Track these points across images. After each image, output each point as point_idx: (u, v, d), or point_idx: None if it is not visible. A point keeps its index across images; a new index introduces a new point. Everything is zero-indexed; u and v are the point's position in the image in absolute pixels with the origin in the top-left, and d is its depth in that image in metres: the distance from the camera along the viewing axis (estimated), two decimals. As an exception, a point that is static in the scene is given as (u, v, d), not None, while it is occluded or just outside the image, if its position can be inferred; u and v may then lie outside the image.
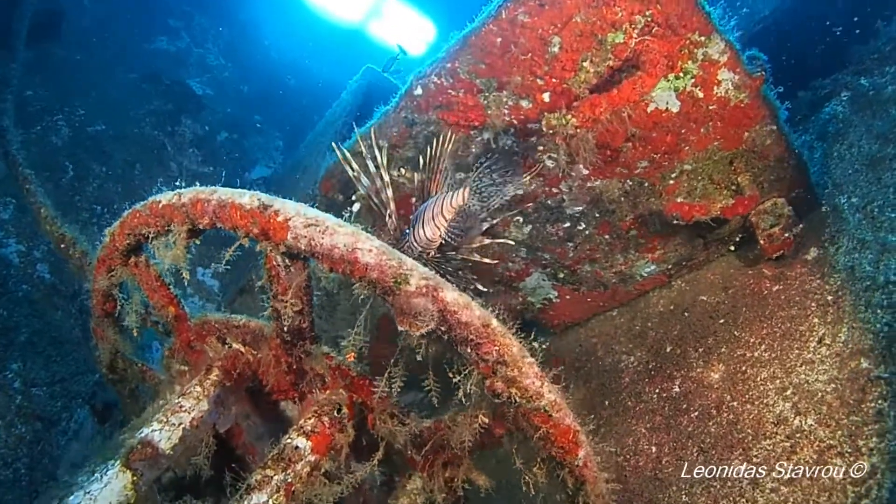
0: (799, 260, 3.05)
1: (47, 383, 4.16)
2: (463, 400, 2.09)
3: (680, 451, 2.96)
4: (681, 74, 2.89)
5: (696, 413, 3.01)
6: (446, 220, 2.66)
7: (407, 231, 2.77)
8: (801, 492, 2.49)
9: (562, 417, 2.08)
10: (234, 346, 2.56)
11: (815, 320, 2.85)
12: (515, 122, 3.10)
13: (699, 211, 3.03)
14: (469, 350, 1.98)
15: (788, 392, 2.76)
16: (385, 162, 2.81)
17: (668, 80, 2.91)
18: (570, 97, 2.99)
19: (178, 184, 2.39)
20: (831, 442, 2.53)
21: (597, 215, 3.33)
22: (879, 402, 2.46)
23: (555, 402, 2.06)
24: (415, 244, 2.72)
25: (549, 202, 3.33)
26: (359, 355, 2.22)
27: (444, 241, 2.74)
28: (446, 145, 2.74)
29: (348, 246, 1.97)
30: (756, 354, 2.96)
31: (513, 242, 3.25)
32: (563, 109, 2.93)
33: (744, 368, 2.97)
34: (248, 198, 2.13)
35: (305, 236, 2.02)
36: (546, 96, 3.03)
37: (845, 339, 2.69)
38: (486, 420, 2.10)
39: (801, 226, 3.00)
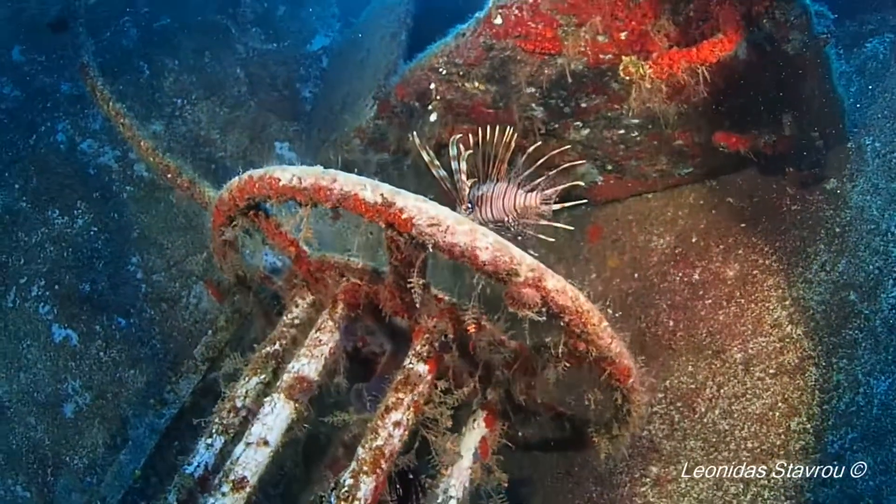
0: (819, 187, 3.55)
1: (164, 269, 4.74)
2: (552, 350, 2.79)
3: (692, 329, 3.77)
4: (755, 30, 3.09)
5: (710, 301, 3.76)
6: (517, 212, 3.05)
7: (470, 205, 3.12)
8: (780, 385, 3.36)
9: (622, 362, 2.79)
10: (352, 280, 3.14)
11: (822, 246, 3.47)
12: (590, 53, 3.32)
13: (744, 145, 3.44)
14: (562, 322, 2.61)
15: (787, 302, 3.48)
16: (463, 165, 3.02)
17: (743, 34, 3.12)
18: (646, 40, 3.20)
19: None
20: (812, 353, 3.32)
21: (650, 127, 3.70)
22: (856, 332, 3.20)
23: (620, 352, 2.75)
24: (480, 219, 3.12)
25: (609, 114, 3.67)
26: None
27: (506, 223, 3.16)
28: (508, 139, 2.99)
29: (467, 245, 2.35)
30: (767, 262, 3.62)
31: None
32: (640, 54, 3.17)
33: (755, 272, 3.65)
34: (370, 192, 2.35)
35: (429, 234, 2.32)
36: (623, 35, 3.23)
37: (842, 271, 3.33)
38: (568, 365, 2.82)
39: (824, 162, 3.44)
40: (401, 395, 2.91)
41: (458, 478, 3.09)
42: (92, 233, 4.69)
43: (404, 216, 2.40)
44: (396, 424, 2.88)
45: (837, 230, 3.45)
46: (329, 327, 3.11)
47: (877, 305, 3.19)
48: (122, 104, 3.85)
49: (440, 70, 3.55)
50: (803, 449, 3.22)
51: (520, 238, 3.18)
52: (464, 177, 3.00)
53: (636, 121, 3.67)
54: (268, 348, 3.29)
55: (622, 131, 3.78)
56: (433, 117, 3.95)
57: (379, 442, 2.83)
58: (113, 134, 4.69)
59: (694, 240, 3.96)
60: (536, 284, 2.48)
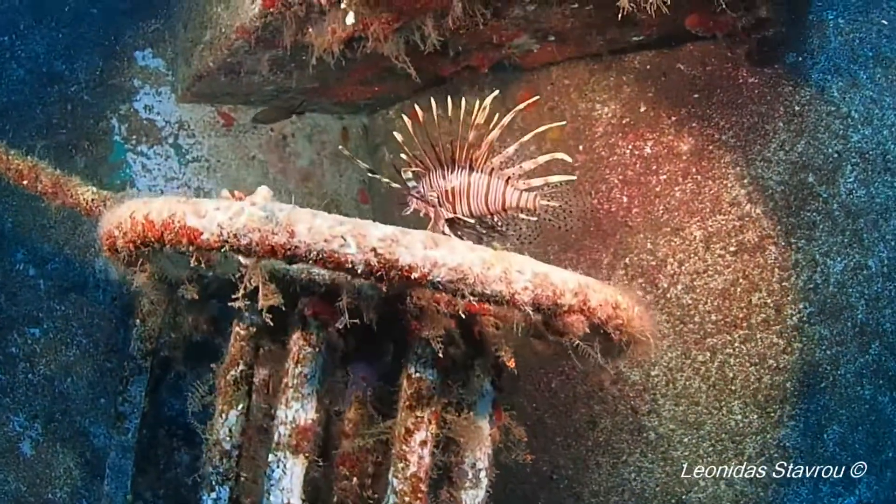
0: (778, 60, 3.33)
1: (55, 253, 3.83)
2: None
3: (648, 206, 3.73)
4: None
5: (665, 176, 3.67)
6: (504, 212, 2.54)
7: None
8: (741, 263, 3.54)
9: (640, 327, 2.78)
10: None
11: (780, 124, 3.38)
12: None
13: (721, 29, 3.09)
14: (603, 329, 2.51)
15: (746, 180, 3.49)
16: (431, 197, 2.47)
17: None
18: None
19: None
20: (771, 232, 3.45)
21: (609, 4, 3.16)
22: (814, 214, 3.33)
23: (641, 321, 2.74)
24: (448, 216, 2.57)
25: (559, -8, 3.08)
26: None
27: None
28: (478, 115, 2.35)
29: (503, 293, 2.04)
30: (724, 138, 3.52)
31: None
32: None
33: (710, 147, 3.55)
34: (355, 247, 1.81)
35: (454, 288, 1.94)
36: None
37: (801, 152, 3.33)
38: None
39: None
40: (418, 413, 2.73)
41: (481, 450, 3.13)
42: (-40, 248, 3.70)
43: (416, 275, 1.88)
44: (423, 443, 2.72)
45: (797, 108, 3.37)
46: (308, 355, 2.70)
47: (835, 189, 3.32)
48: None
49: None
50: (764, 321, 3.55)
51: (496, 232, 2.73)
52: (436, 202, 2.46)
53: (588, -3, 3.12)
54: (232, 372, 2.84)
55: (575, 5, 3.21)
56: (350, 19, 3.13)
57: (412, 469, 2.68)
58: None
59: (642, 109, 3.71)
60: (581, 308, 2.31)
